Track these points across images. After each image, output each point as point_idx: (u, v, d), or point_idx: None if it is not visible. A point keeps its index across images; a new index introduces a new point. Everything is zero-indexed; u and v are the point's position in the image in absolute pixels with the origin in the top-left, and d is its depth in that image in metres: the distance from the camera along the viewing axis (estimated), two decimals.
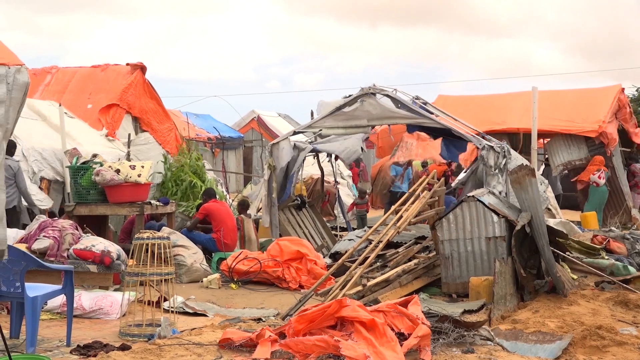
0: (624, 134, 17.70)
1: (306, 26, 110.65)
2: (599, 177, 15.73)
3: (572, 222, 13.32)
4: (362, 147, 14.63)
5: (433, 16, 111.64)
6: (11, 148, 11.02)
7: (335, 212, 17.77)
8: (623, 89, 17.87)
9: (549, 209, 13.36)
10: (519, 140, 16.79)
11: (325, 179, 16.83)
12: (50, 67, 16.61)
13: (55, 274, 8.01)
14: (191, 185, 13.76)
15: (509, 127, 16.97)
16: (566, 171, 17.32)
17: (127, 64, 15.62)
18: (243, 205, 13.21)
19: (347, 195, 19.36)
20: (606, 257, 10.38)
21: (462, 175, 15.69)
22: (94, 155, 11.47)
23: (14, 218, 10.76)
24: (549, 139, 17.18)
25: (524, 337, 6.84)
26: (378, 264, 9.81)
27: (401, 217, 9.01)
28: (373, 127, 13.37)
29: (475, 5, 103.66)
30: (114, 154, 13.01)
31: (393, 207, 9.55)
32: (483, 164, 11.54)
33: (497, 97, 19.14)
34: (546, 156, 17.50)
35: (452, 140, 13.15)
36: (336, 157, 15.08)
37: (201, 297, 9.39)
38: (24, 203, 11.15)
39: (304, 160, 13.77)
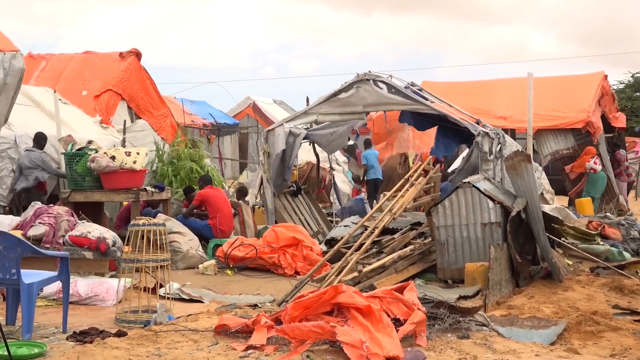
0: (603, 119, 17.80)
1: (301, 13, 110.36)
2: (595, 163, 15.81)
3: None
4: (349, 137, 14.63)
5: (428, 3, 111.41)
6: (41, 140, 11.59)
7: (331, 198, 17.76)
8: (606, 76, 17.93)
9: (544, 195, 13.37)
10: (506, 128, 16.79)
11: (320, 165, 16.81)
12: (45, 53, 16.56)
13: (51, 260, 8.00)
14: (190, 171, 13.74)
15: (496, 115, 16.92)
16: (554, 162, 17.36)
17: (120, 54, 15.54)
18: (242, 192, 13.23)
19: (343, 181, 19.34)
20: (601, 243, 10.41)
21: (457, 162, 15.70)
22: (89, 142, 11.45)
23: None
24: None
25: (519, 323, 6.86)
26: (374, 250, 9.81)
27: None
28: (367, 113, 13.35)
29: None
30: (108, 140, 12.96)
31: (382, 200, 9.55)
32: (478, 150, 11.55)
33: (483, 83, 19.11)
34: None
35: (446, 132, 13.17)
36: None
37: (197, 284, 9.40)
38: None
39: (300, 146, 13.80)
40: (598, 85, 17.32)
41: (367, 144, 19.36)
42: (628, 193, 17.98)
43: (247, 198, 13.35)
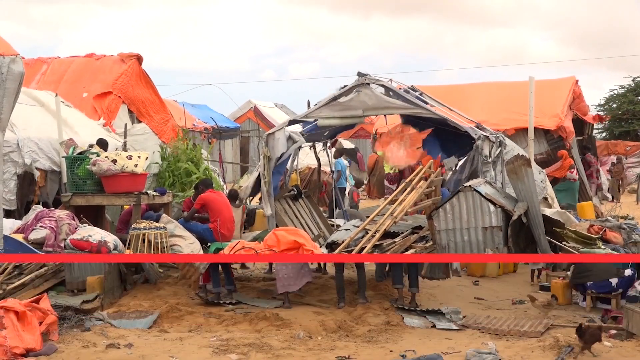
0: (575, 122, 18.06)
1: (300, 16, 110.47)
2: (576, 174, 16.49)
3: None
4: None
5: (427, 6, 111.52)
6: (104, 146, 11.61)
7: None
8: (577, 81, 18.17)
9: (546, 199, 13.38)
10: None
11: (321, 169, 16.79)
12: (46, 57, 16.58)
13: None
14: (187, 173, 13.74)
15: (472, 119, 16.92)
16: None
17: (120, 55, 15.57)
18: (232, 196, 13.23)
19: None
20: (602, 247, 10.40)
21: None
22: (91, 146, 11.47)
23: None
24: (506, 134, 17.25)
25: (127, 315, 8.71)
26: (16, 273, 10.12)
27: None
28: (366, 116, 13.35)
29: None
30: (110, 144, 12.97)
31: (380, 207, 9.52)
32: (478, 154, 11.54)
33: (458, 87, 19.21)
34: None
35: (447, 137, 13.18)
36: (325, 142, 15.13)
37: None
38: None
39: (299, 150, 13.80)
40: (569, 90, 17.55)
41: (339, 154, 19.38)
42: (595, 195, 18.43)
43: (237, 201, 13.36)
